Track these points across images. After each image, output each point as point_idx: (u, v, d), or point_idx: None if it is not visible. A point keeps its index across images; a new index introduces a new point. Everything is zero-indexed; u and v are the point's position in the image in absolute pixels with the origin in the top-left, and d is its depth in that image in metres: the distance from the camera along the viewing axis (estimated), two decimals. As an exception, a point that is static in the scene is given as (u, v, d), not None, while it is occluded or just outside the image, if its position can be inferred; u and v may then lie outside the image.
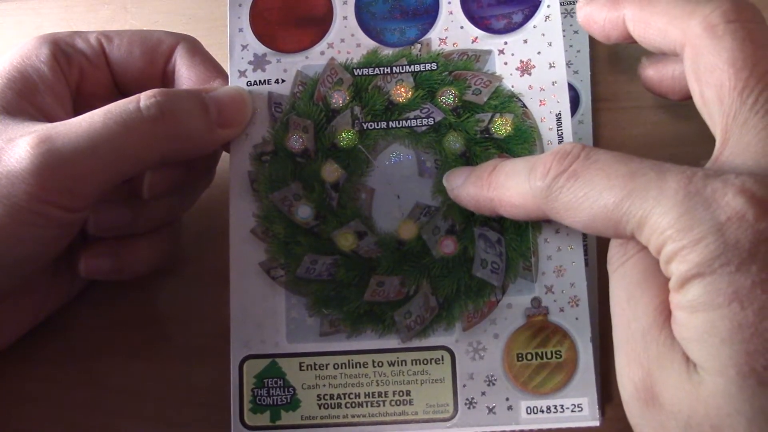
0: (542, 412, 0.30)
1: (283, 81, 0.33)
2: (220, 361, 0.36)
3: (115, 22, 0.43)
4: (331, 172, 0.32)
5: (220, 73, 0.34)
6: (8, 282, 0.31)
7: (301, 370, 0.31)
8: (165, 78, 0.35)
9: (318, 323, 0.31)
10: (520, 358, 0.30)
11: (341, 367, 0.31)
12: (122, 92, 0.35)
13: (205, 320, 0.37)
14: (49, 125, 0.29)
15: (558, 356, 0.30)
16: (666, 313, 0.25)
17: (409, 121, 0.32)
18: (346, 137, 0.32)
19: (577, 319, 0.30)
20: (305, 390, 0.31)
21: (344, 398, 0.30)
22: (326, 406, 0.31)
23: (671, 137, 0.38)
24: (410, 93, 0.32)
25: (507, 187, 0.28)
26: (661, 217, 0.23)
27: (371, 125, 0.32)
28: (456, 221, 0.31)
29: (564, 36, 0.40)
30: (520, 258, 0.31)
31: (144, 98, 0.30)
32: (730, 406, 0.22)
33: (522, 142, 0.31)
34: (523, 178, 0.27)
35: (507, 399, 0.30)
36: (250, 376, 0.31)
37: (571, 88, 0.39)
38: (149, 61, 0.34)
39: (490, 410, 0.30)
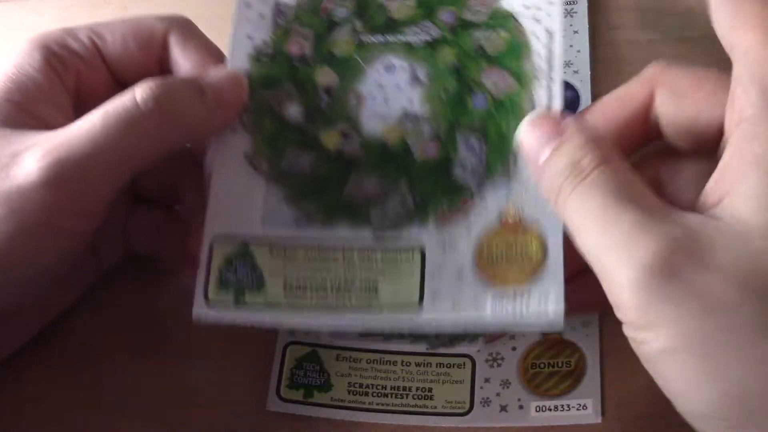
0: (509, 304, 0.29)
1: None
2: (220, 362, 0.36)
3: (115, 23, 0.43)
4: (325, 76, 0.33)
5: (214, 57, 0.34)
6: (28, 295, 0.32)
7: (271, 255, 0.31)
8: (162, 64, 0.34)
9: (294, 213, 0.31)
10: (491, 255, 0.30)
11: (311, 255, 0.31)
12: (122, 85, 0.35)
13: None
14: (50, 135, 0.29)
15: (529, 254, 0.29)
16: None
17: (406, 37, 0.33)
18: (343, 47, 0.33)
19: (549, 221, 0.30)
20: (272, 275, 0.31)
21: (310, 286, 0.30)
22: (291, 290, 0.31)
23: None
24: (411, 11, 0.33)
25: None
26: None
27: (369, 38, 0.33)
28: (441, 127, 0.32)
29: (564, 36, 0.40)
30: (499, 163, 0.31)
31: (139, 92, 0.29)
32: None
33: (514, 57, 0.32)
34: None
35: (475, 292, 0.29)
36: (219, 255, 0.31)
37: (571, 88, 0.39)
38: (146, 53, 0.34)
39: (457, 302, 0.29)
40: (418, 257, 0.30)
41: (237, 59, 0.33)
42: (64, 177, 0.28)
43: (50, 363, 0.36)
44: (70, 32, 0.34)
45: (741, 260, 0.22)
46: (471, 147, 0.31)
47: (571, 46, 0.40)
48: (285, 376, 0.35)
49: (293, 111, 0.32)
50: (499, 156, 0.31)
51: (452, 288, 0.30)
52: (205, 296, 0.31)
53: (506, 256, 0.30)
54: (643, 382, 0.32)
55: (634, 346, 0.24)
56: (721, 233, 0.22)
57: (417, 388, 0.34)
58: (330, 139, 0.32)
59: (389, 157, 0.32)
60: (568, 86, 0.39)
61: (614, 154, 0.26)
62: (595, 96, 0.39)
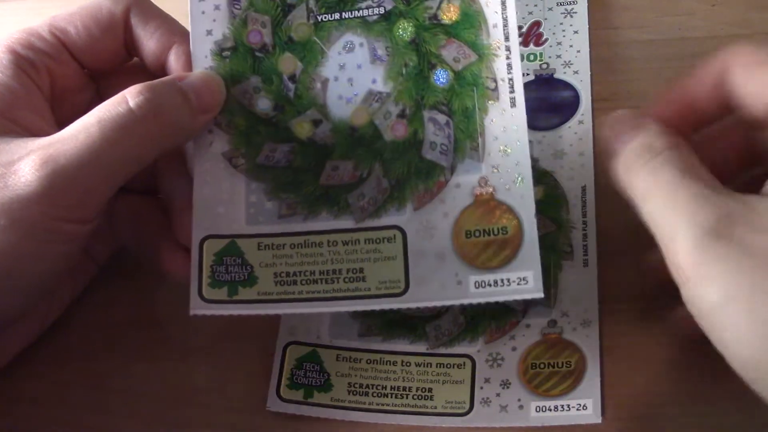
0: (490, 285, 0.31)
1: None
2: (220, 362, 0.36)
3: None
4: (288, 64, 0.33)
5: (177, 33, 0.34)
6: (32, 299, 0.33)
7: (259, 249, 0.32)
8: (128, 47, 0.35)
9: (276, 206, 0.33)
10: (469, 235, 0.31)
11: (298, 247, 0.32)
12: (92, 74, 0.36)
13: (205, 320, 0.37)
14: (44, 142, 0.29)
15: (504, 232, 0.31)
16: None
17: (361, 11, 0.33)
18: (301, 30, 0.33)
19: (522, 196, 0.31)
20: (262, 268, 0.32)
21: (300, 275, 0.32)
22: (282, 282, 0.32)
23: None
24: None
25: None
26: None
27: (325, 17, 0.33)
28: (406, 105, 0.33)
29: (564, 36, 0.40)
30: (467, 139, 0.32)
31: (131, 97, 0.30)
32: None
33: (469, 27, 0.32)
34: None
35: (457, 274, 0.31)
36: (209, 254, 0.32)
37: (571, 88, 0.39)
38: (111, 38, 0.34)
39: (441, 285, 0.31)
40: (399, 240, 0.32)
41: (200, 58, 0.33)
42: (63, 185, 0.29)
43: (50, 362, 0.37)
44: (32, 32, 0.34)
45: None
46: (438, 124, 0.32)
47: (571, 46, 0.40)
48: (285, 376, 0.35)
49: (262, 104, 0.33)
50: (466, 134, 0.32)
51: (435, 271, 0.31)
52: (200, 294, 0.32)
53: (484, 236, 0.31)
54: (642, 382, 0.32)
55: (690, 305, 0.26)
56: None
57: (417, 389, 0.34)
58: (301, 128, 0.33)
59: (360, 141, 0.33)
60: (568, 86, 0.39)
61: (682, 143, 0.28)
62: (595, 96, 0.39)
